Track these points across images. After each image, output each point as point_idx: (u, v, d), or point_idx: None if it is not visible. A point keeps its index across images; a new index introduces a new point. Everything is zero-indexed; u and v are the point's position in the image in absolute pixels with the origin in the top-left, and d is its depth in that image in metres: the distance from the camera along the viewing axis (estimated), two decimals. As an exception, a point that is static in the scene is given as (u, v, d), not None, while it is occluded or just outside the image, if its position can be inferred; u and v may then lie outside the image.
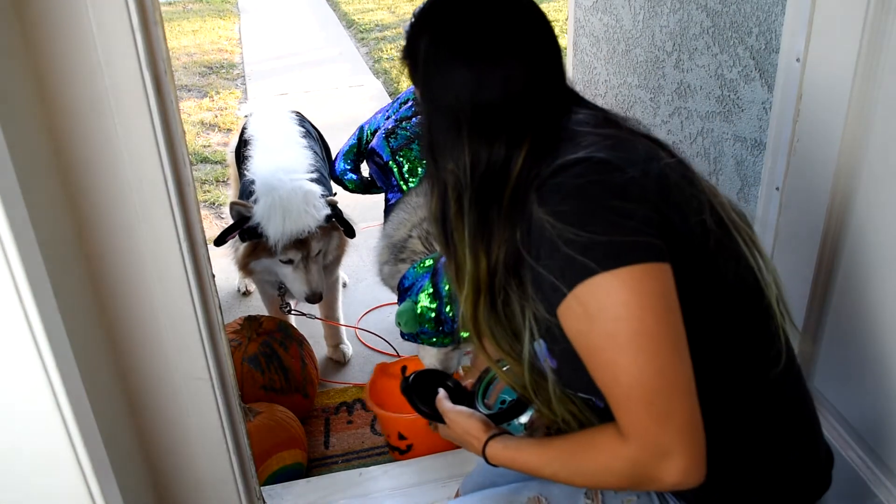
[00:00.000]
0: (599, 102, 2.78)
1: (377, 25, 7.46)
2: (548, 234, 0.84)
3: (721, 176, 1.91)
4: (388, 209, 2.12)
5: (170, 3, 8.98)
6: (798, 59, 1.41)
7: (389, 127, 2.09)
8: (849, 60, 1.27)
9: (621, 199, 0.84)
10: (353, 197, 2.54)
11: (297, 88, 5.56)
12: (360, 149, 2.34)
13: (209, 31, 7.65)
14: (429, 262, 1.83)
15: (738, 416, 0.96)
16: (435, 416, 1.16)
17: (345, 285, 2.80)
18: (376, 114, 2.37)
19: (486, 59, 0.92)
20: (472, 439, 1.09)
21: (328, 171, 2.50)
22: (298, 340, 2.25)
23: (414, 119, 2.09)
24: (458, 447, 1.99)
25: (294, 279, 2.11)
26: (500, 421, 1.10)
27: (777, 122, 1.52)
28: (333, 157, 2.45)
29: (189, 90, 5.66)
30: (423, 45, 0.97)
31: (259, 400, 2.04)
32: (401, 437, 1.92)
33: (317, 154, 2.40)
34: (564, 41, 3.13)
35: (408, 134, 2.05)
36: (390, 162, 2.04)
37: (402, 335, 1.86)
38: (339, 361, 2.50)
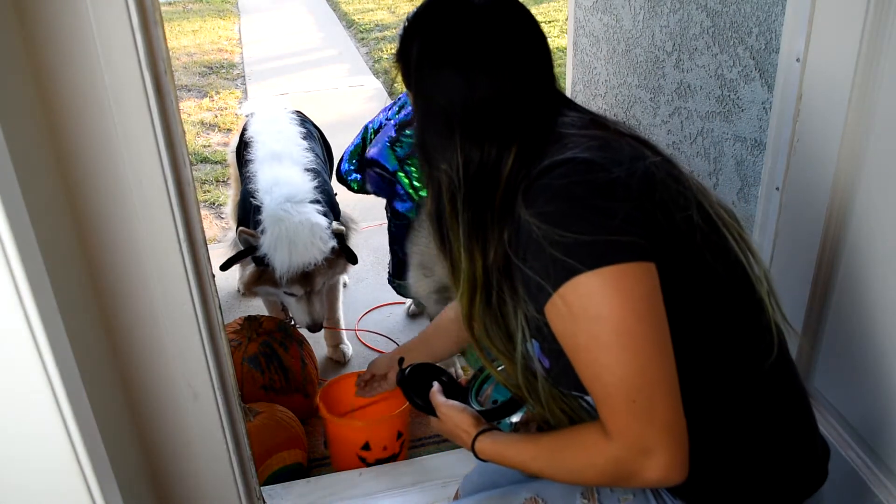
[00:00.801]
0: (599, 102, 2.78)
1: (377, 25, 7.46)
2: (534, 235, 0.85)
3: (721, 176, 1.91)
4: (402, 220, 2.09)
5: (170, 3, 8.98)
6: (798, 59, 1.41)
7: (392, 136, 2.07)
8: (849, 60, 1.27)
9: (605, 198, 0.85)
10: (353, 197, 2.54)
11: (297, 88, 5.56)
12: (364, 149, 2.34)
13: (209, 31, 7.65)
14: None
15: (732, 408, 0.96)
16: (428, 409, 1.18)
17: (345, 285, 2.80)
18: (380, 113, 2.36)
19: (477, 64, 0.93)
20: (462, 433, 1.10)
21: (329, 172, 2.50)
22: (298, 340, 2.25)
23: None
24: (458, 447, 2.01)
25: (297, 309, 2.16)
26: (491, 418, 1.12)
27: (777, 122, 1.51)
28: (337, 156, 2.44)
29: (189, 90, 5.66)
30: (415, 50, 0.99)
31: (259, 400, 2.04)
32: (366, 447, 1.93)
33: (318, 156, 2.40)
34: (564, 41, 3.13)
35: (413, 141, 2.04)
36: (398, 172, 2.02)
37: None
38: (339, 361, 2.50)
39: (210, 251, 1.30)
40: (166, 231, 1.17)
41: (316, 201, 2.12)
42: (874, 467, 1.34)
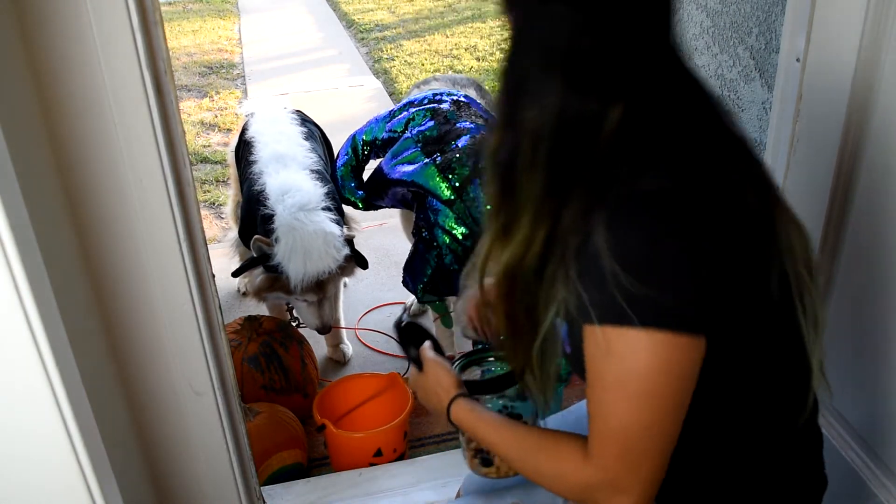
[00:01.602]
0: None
1: (377, 25, 7.46)
2: (601, 263, 0.80)
3: (721, 176, 1.91)
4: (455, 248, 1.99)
5: (170, 3, 8.98)
6: (798, 59, 1.41)
7: (439, 161, 1.99)
8: (849, 60, 1.27)
9: (691, 261, 0.80)
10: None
11: (297, 88, 5.56)
12: (357, 162, 2.30)
13: (209, 31, 7.65)
14: None
15: (746, 454, 0.96)
16: (417, 362, 1.18)
17: (345, 285, 2.80)
18: (368, 123, 2.32)
19: (595, 4, 0.82)
20: (441, 391, 1.10)
21: (331, 172, 2.50)
22: (298, 340, 2.25)
23: (460, 143, 1.99)
24: (457, 448, 2.01)
25: (308, 314, 2.19)
26: (474, 390, 1.12)
27: (777, 122, 1.52)
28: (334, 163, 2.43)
29: (189, 90, 5.66)
30: None
31: (259, 400, 2.04)
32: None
33: (320, 157, 2.39)
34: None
35: (466, 170, 1.96)
36: (457, 203, 1.95)
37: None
38: (339, 361, 2.50)
39: (210, 251, 1.30)
40: (166, 231, 1.17)
41: (327, 208, 2.13)
42: (874, 467, 1.34)
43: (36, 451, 0.98)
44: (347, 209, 2.37)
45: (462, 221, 1.97)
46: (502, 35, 0.93)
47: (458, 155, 1.99)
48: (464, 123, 2.09)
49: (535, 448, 0.96)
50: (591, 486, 0.87)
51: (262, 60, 6.54)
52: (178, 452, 1.37)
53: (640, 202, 0.81)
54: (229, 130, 4.73)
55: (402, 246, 3.07)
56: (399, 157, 2.11)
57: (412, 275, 2.12)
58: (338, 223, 2.13)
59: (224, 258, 2.35)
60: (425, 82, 2.55)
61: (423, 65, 5.89)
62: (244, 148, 2.42)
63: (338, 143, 2.72)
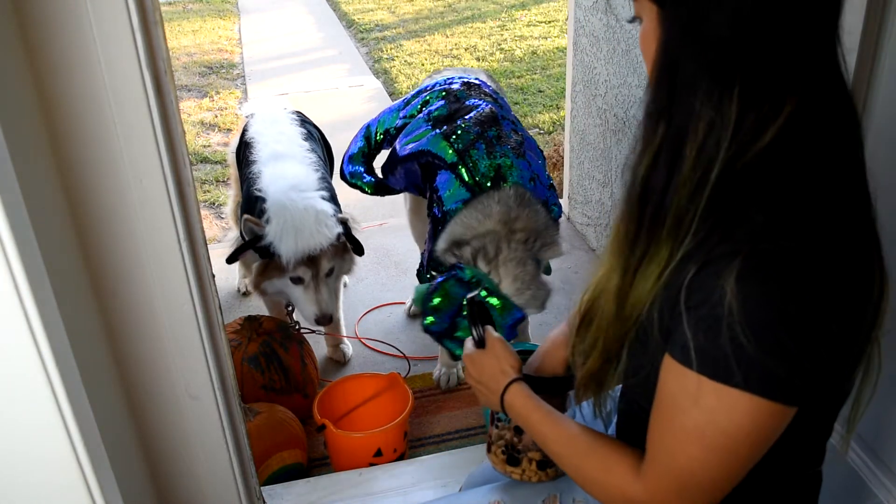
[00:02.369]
0: (599, 102, 2.78)
1: (377, 25, 7.46)
2: (719, 311, 0.74)
3: (721, 176, 1.91)
4: (447, 208, 1.99)
5: (170, 3, 8.98)
6: (798, 59, 1.41)
7: (445, 129, 2.02)
8: (849, 60, 1.27)
9: (813, 334, 0.75)
10: (353, 197, 2.54)
11: (297, 88, 5.56)
12: (370, 150, 2.31)
13: (209, 31, 7.65)
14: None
15: (757, 496, 0.95)
16: (482, 341, 1.15)
17: (345, 285, 2.80)
18: (383, 113, 2.34)
19: None
20: (500, 372, 1.08)
21: (330, 172, 2.49)
22: (298, 340, 2.25)
23: (468, 117, 2.02)
24: (458, 447, 2.01)
25: (305, 300, 2.11)
26: (533, 385, 1.10)
27: (777, 122, 1.51)
28: (338, 157, 2.42)
29: (189, 90, 5.66)
30: None
31: (259, 400, 2.04)
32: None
33: (319, 157, 2.40)
34: (564, 41, 3.13)
35: (470, 135, 1.99)
36: (458, 165, 1.97)
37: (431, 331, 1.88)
38: (339, 361, 2.50)
39: (210, 251, 1.30)
40: (166, 231, 1.17)
41: (320, 191, 2.12)
42: (874, 467, 1.34)
43: (36, 451, 0.98)
44: (347, 210, 2.37)
45: (465, 186, 1.97)
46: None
47: (462, 124, 2.01)
48: (473, 101, 2.11)
49: (587, 450, 0.94)
50: (633, 503, 0.87)
51: (262, 60, 6.54)
52: (178, 452, 1.37)
53: (779, 263, 0.74)
54: (229, 130, 4.73)
55: (403, 246, 3.08)
56: (410, 136, 2.12)
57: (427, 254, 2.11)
58: (332, 203, 2.12)
59: (224, 258, 2.35)
60: (437, 72, 2.58)
61: (423, 65, 5.89)
62: (244, 148, 2.42)
63: (337, 143, 2.73)
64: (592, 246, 3.05)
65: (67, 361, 0.95)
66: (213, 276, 1.29)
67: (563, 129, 3.74)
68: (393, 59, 6.13)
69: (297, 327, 2.30)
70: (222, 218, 3.60)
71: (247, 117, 2.64)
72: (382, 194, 2.34)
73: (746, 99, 0.74)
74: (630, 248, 0.84)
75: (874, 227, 0.84)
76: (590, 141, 2.92)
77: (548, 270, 2.19)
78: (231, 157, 2.71)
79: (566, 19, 3.15)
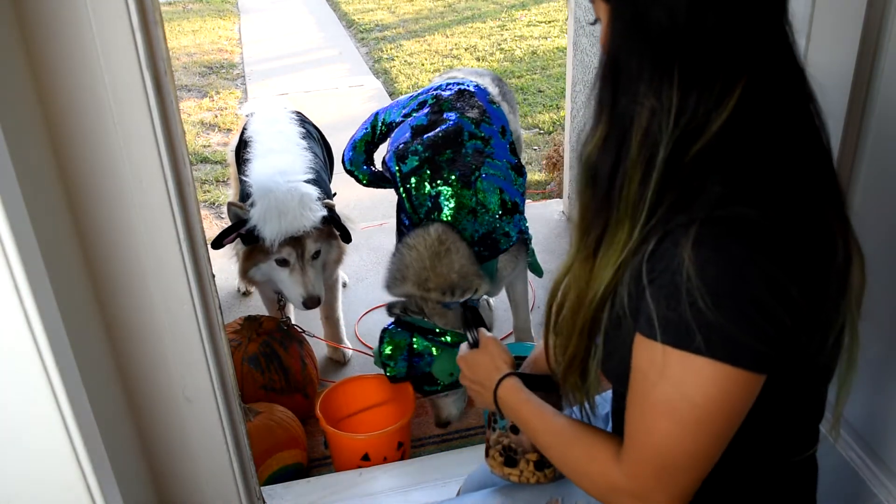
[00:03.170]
0: (599, 102, 2.78)
1: (377, 25, 7.46)
2: (678, 279, 0.75)
3: (721, 176, 1.91)
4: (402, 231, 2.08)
5: (170, 3, 8.98)
6: (798, 59, 1.41)
7: (401, 146, 2.04)
8: (849, 60, 1.27)
9: (772, 297, 0.75)
10: (353, 197, 2.54)
11: (297, 88, 5.56)
12: (373, 138, 2.30)
13: (209, 31, 7.65)
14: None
15: (750, 483, 0.96)
16: (476, 342, 1.19)
17: (345, 285, 2.80)
18: (392, 105, 2.32)
19: None
20: (494, 368, 1.11)
21: (329, 172, 2.49)
22: (298, 340, 2.25)
23: (425, 137, 2.02)
24: (459, 447, 2.01)
25: (290, 283, 2.07)
26: (528, 382, 1.11)
27: (777, 122, 1.51)
28: (338, 153, 2.41)
29: (189, 90, 5.66)
30: None
31: (259, 400, 2.04)
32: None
33: (317, 155, 2.39)
34: (564, 41, 3.13)
35: (416, 160, 1.98)
36: (400, 188, 2.00)
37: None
38: (339, 361, 2.50)
39: (210, 251, 1.30)
40: (166, 231, 1.17)
41: (308, 179, 2.11)
42: (874, 467, 1.34)
43: (36, 452, 0.98)
44: (347, 210, 2.37)
45: (404, 211, 2.03)
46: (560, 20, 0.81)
47: (418, 144, 2.01)
48: (449, 115, 2.10)
49: (572, 440, 0.95)
50: (617, 490, 0.87)
51: (262, 60, 6.54)
52: (178, 452, 1.37)
53: (736, 228, 0.76)
54: (229, 130, 4.73)
55: (402, 246, 3.07)
56: (394, 141, 2.13)
57: None
58: (319, 190, 2.11)
59: (224, 258, 2.35)
60: (447, 71, 2.57)
61: (423, 65, 5.89)
62: (243, 147, 2.42)
63: (337, 143, 2.72)
64: (592, 246, 3.05)
65: (67, 361, 0.95)
66: (213, 276, 1.29)
67: (563, 129, 3.74)
68: (393, 59, 6.13)
69: (287, 323, 2.28)
70: (222, 218, 3.60)
71: (246, 117, 2.64)
72: (377, 186, 2.33)
73: (686, 85, 0.76)
74: (586, 233, 0.87)
75: (838, 196, 0.86)
76: (590, 141, 2.91)
77: (539, 272, 2.20)
78: (231, 157, 2.71)
79: (566, 19, 3.15)
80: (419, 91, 2.33)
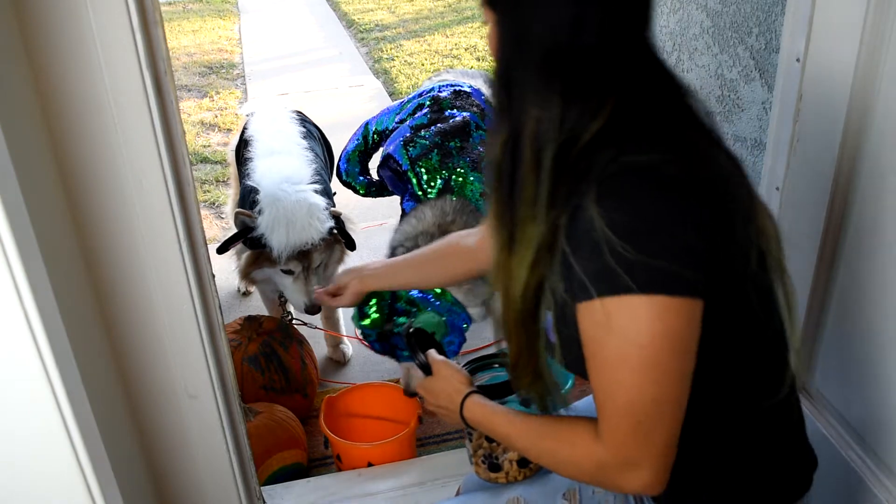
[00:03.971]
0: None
1: (377, 25, 7.46)
2: (594, 235, 0.80)
3: (721, 176, 1.91)
4: (403, 217, 2.09)
5: (170, 3, 8.98)
6: (798, 59, 1.41)
7: (407, 135, 2.05)
8: (849, 60, 1.27)
9: (681, 226, 0.81)
10: (353, 197, 2.54)
11: (297, 88, 5.56)
12: (366, 148, 2.31)
13: (209, 31, 7.65)
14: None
15: (727, 429, 0.97)
16: (425, 368, 1.19)
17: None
18: (382, 113, 2.34)
19: (593, 1, 0.82)
20: (453, 390, 1.11)
21: (330, 171, 2.49)
22: (298, 340, 2.25)
23: (433, 127, 2.03)
24: (460, 447, 2.01)
25: (294, 290, 2.11)
26: (486, 394, 1.12)
27: (777, 122, 1.51)
28: (342, 148, 2.42)
29: (189, 90, 5.66)
30: None
31: (259, 400, 2.04)
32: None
33: (318, 155, 2.39)
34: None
35: (427, 143, 2.00)
36: (409, 172, 2.00)
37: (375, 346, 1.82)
38: (339, 361, 2.50)
39: (210, 251, 1.30)
40: (166, 231, 1.17)
41: (314, 184, 2.12)
42: (874, 467, 1.34)
43: (36, 451, 0.98)
44: (346, 210, 2.37)
45: (412, 195, 2.01)
46: (487, 39, 0.91)
47: (424, 133, 2.02)
48: (452, 112, 2.11)
49: (548, 434, 0.96)
50: (605, 466, 0.88)
51: (262, 60, 6.54)
52: (178, 452, 1.37)
53: (631, 173, 0.82)
54: (229, 130, 4.73)
55: (402, 246, 3.07)
56: (392, 142, 2.13)
57: None
58: (325, 197, 2.12)
59: (224, 258, 2.35)
60: (437, 74, 2.57)
61: (423, 65, 5.89)
62: (244, 146, 2.42)
63: (337, 143, 2.72)
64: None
65: (67, 361, 0.95)
66: (213, 276, 1.29)
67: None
68: (393, 59, 6.13)
69: (290, 319, 2.29)
70: (222, 218, 3.60)
71: (247, 116, 2.64)
72: (375, 195, 2.34)
73: (568, 98, 0.84)
74: (499, 231, 0.93)
75: (731, 157, 0.93)
76: (590, 141, 2.92)
77: None
78: (231, 156, 2.71)
79: (566, 19, 3.14)
80: (409, 96, 2.34)
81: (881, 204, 1.27)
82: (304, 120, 2.58)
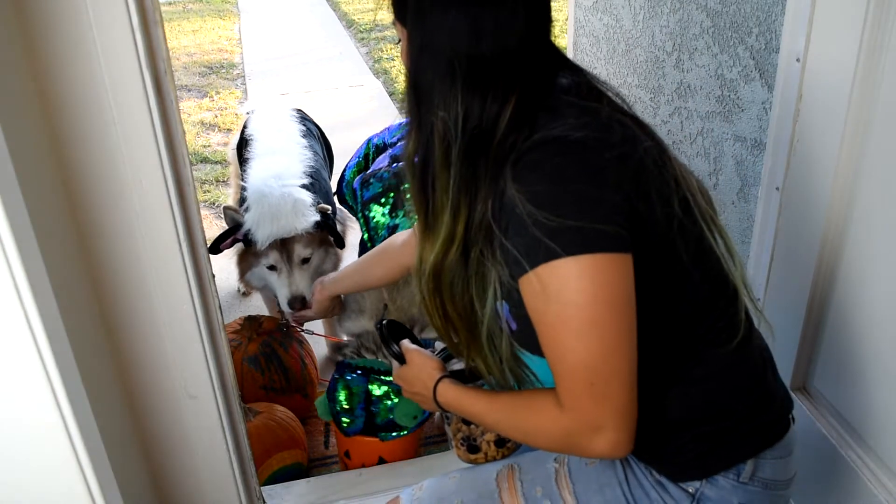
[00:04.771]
0: (599, 102, 2.78)
1: (377, 25, 7.46)
2: (518, 211, 0.85)
3: (721, 176, 1.91)
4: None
5: (170, 3, 8.98)
6: (798, 59, 1.41)
7: (367, 174, 2.01)
8: (849, 60, 1.27)
9: (594, 184, 0.86)
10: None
11: (297, 88, 5.56)
12: (366, 166, 2.29)
13: (209, 31, 7.64)
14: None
15: (689, 383, 1.00)
16: (399, 357, 1.21)
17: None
18: (384, 130, 2.33)
19: (485, 10, 0.90)
20: (426, 376, 1.14)
21: (329, 170, 2.49)
22: (298, 340, 2.25)
23: (394, 166, 1.99)
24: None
25: (278, 284, 2.08)
26: (461, 378, 1.14)
27: (777, 122, 1.51)
28: (338, 157, 2.40)
29: (189, 90, 5.66)
30: None
31: (259, 400, 2.04)
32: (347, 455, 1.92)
33: (317, 154, 2.39)
34: (564, 41, 3.13)
35: (381, 186, 1.94)
36: (359, 215, 1.97)
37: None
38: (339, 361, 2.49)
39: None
40: (166, 231, 1.17)
41: (304, 184, 2.11)
42: (874, 467, 1.34)
43: (36, 451, 0.98)
44: (345, 211, 2.37)
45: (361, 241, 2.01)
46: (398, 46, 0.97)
47: (383, 171, 1.98)
48: None
49: (516, 408, 0.99)
50: (570, 432, 0.90)
51: (262, 60, 6.54)
52: (178, 452, 1.37)
53: (538, 148, 0.88)
54: (229, 130, 4.73)
55: (402, 246, 3.07)
56: (373, 167, 2.11)
57: None
58: (312, 193, 2.11)
59: (224, 258, 2.35)
60: None
61: (423, 65, 5.88)
62: (244, 145, 2.42)
63: (337, 142, 2.72)
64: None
65: (67, 361, 0.95)
66: (213, 276, 1.29)
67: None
68: (393, 59, 6.13)
69: (285, 324, 2.27)
70: (222, 218, 3.60)
71: (247, 115, 2.64)
72: None
73: (468, 99, 0.91)
74: (422, 223, 1.00)
75: (641, 123, 0.98)
76: (590, 141, 2.91)
77: None
78: (231, 155, 2.71)
79: (566, 19, 3.15)
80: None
81: (882, 203, 1.27)
82: (304, 118, 2.58)
